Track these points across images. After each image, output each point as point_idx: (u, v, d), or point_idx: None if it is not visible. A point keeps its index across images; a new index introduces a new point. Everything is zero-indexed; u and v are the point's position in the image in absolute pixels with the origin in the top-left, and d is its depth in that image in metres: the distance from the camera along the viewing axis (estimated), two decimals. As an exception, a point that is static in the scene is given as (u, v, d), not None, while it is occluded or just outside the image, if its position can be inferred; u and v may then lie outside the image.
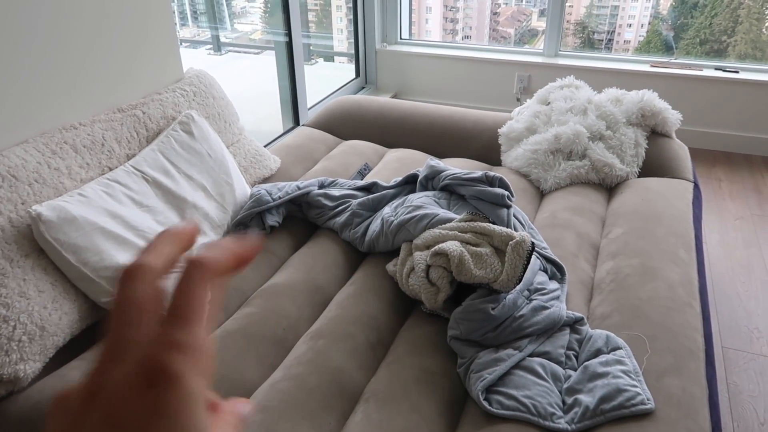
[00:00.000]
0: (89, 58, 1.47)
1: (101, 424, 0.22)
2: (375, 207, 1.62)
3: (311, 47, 3.62)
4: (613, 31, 3.67)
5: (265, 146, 2.32)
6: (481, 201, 1.52)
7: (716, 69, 3.16)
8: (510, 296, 1.24)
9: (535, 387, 1.10)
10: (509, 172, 1.98)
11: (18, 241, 1.16)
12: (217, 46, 3.33)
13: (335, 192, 1.68)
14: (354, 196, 1.67)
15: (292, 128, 3.02)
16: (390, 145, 2.21)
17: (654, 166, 1.97)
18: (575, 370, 1.16)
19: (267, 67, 3.07)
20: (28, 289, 1.14)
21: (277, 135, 2.92)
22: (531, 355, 1.17)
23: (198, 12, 3.39)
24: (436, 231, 1.37)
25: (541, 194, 1.94)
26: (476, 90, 3.58)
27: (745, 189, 2.77)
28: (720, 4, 3.38)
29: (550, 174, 1.93)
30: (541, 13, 3.77)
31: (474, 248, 1.26)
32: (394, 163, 1.98)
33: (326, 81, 3.61)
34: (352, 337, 1.23)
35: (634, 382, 1.08)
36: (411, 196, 1.58)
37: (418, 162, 1.99)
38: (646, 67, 3.22)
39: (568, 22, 3.58)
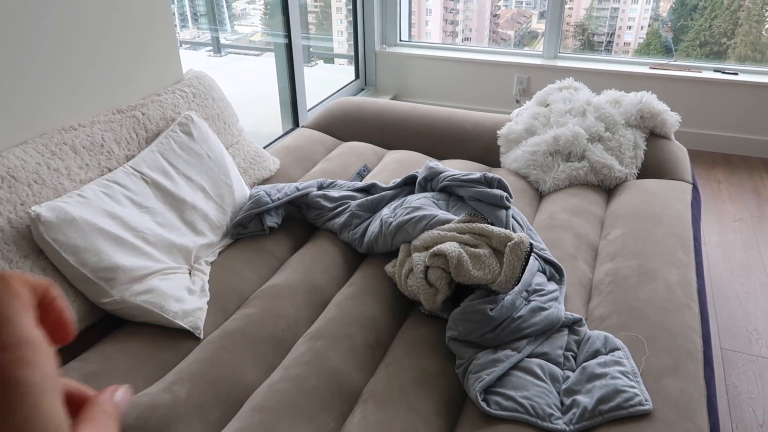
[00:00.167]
0: (89, 59, 1.47)
1: None
2: (374, 208, 1.63)
3: (311, 49, 3.63)
4: (613, 33, 3.67)
5: (264, 147, 2.32)
6: (480, 202, 1.52)
7: (715, 71, 3.16)
8: (508, 297, 1.24)
9: (534, 388, 1.10)
10: (508, 174, 1.98)
11: (17, 241, 1.16)
12: (217, 47, 3.33)
13: (334, 193, 1.68)
14: (353, 198, 1.67)
15: (292, 130, 3.02)
16: (389, 146, 2.22)
17: (653, 167, 1.97)
18: (573, 371, 1.16)
19: (267, 68, 3.07)
20: (27, 289, 1.14)
21: (276, 136, 2.92)
22: (529, 356, 1.18)
23: (198, 14, 3.40)
24: (434, 232, 1.37)
25: (540, 195, 1.94)
26: (475, 92, 3.58)
27: (744, 191, 2.77)
28: (720, 6, 3.38)
29: (549, 175, 1.93)
30: (541, 15, 3.77)
31: (472, 249, 1.27)
32: (393, 165, 1.99)
33: (326, 83, 3.62)
34: (350, 338, 1.23)
35: (633, 383, 1.08)
36: (410, 198, 1.58)
37: (417, 163, 1.99)
38: (646, 69, 3.23)
39: (567, 24, 3.58)
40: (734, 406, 1.61)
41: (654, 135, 2.07)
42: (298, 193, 1.64)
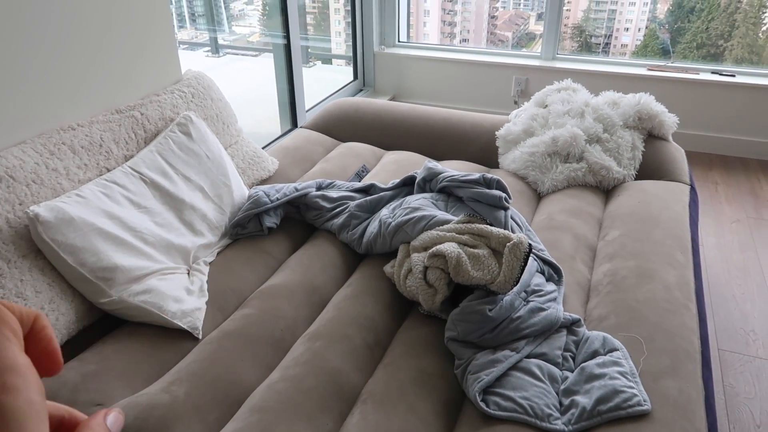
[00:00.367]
0: (88, 59, 1.47)
1: None
2: (373, 209, 1.63)
3: (309, 50, 3.63)
4: (611, 35, 3.68)
5: (263, 148, 2.32)
6: (479, 203, 1.53)
7: (713, 73, 3.17)
8: (507, 298, 1.25)
9: (532, 388, 1.10)
10: (507, 175, 1.98)
11: (15, 241, 1.16)
12: (215, 48, 3.33)
13: (333, 194, 1.69)
14: (352, 198, 1.67)
15: (290, 130, 3.02)
16: (388, 147, 2.22)
17: (651, 168, 1.98)
18: (572, 371, 1.17)
19: (265, 69, 3.07)
20: (25, 289, 1.14)
21: (275, 137, 2.92)
22: (528, 357, 1.18)
23: (196, 14, 3.39)
24: (433, 233, 1.37)
25: (539, 196, 1.95)
26: (474, 93, 3.59)
27: (741, 192, 2.78)
28: (717, 8, 3.39)
29: (548, 176, 1.94)
30: (539, 16, 3.78)
31: (471, 250, 1.27)
32: (392, 165, 1.99)
33: (324, 83, 3.62)
34: (349, 339, 1.23)
35: (631, 384, 1.08)
36: (409, 198, 1.58)
37: (416, 164, 1.99)
38: (643, 71, 3.23)
39: (565, 25, 3.59)
40: (731, 406, 1.61)
41: (652, 136, 2.07)
42: (296, 193, 1.64)
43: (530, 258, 1.34)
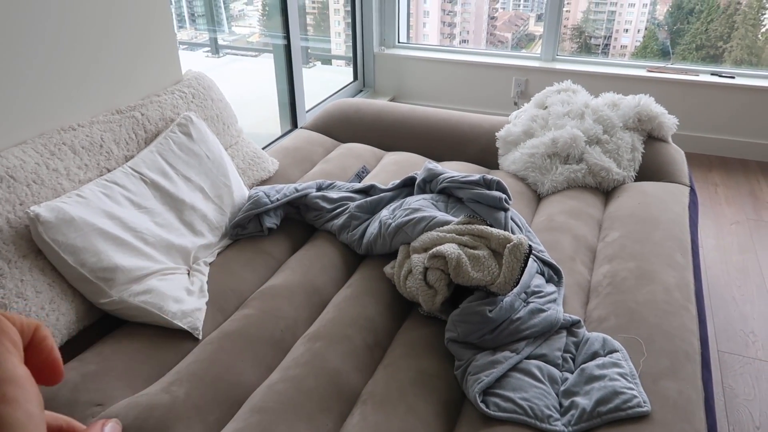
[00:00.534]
0: (88, 59, 1.47)
1: None
2: (373, 209, 1.63)
3: (309, 50, 3.63)
4: (610, 36, 3.68)
5: (263, 148, 2.32)
6: (479, 204, 1.53)
7: (712, 74, 3.18)
8: (507, 299, 1.25)
9: (532, 389, 1.10)
10: (506, 176, 1.99)
11: (16, 241, 1.16)
12: (215, 48, 3.33)
13: (333, 194, 1.69)
14: (352, 199, 1.67)
15: (290, 131, 3.02)
16: (388, 148, 2.22)
17: (650, 170, 1.98)
18: (572, 372, 1.17)
19: (265, 69, 3.07)
20: (25, 289, 1.14)
21: (275, 137, 2.92)
22: (528, 358, 1.18)
23: (196, 14, 3.39)
24: (433, 233, 1.37)
25: (538, 198, 1.95)
26: (474, 94, 3.59)
27: (741, 194, 2.78)
28: (716, 10, 3.40)
29: (547, 177, 1.94)
30: (538, 17, 3.79)
31: (471, 251, 1.27)
32: (392, 166, 1.99)
33: (324, 84, 3.62)
34: (349, 339, 1.23)
35: (631, 385, 1.09)
36: (409, 199, 1.59)
37: (416, 165, 1.99)
38: (643, 72, 3.24)
39: (565, 27, 3.59)
40: (731, 408, 1.61)
41: (652, 138, 2.08)
42: (297, 194, 1.64)
43: (530, 259, 1.34)
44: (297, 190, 1.65)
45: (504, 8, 4.00)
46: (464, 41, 3.99)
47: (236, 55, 3.56)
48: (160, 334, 1.23)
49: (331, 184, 1.76)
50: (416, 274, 1.29)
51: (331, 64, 4.08)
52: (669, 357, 1.16)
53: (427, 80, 3.68)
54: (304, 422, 1.04)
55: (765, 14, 3.33)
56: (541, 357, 1.18)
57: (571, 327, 1.26)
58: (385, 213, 1.55)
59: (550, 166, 1.95)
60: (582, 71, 3.30)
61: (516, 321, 1.22)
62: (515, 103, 3.48)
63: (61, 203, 1.21)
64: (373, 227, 1.53)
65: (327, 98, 3.45)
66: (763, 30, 3.32)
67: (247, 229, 1.57)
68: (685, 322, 1.27)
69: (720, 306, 2.01)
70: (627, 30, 3.64)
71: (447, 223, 1.41)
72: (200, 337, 1.25)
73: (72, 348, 1.21)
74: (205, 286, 1.37)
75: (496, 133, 2.15)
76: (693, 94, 3.15)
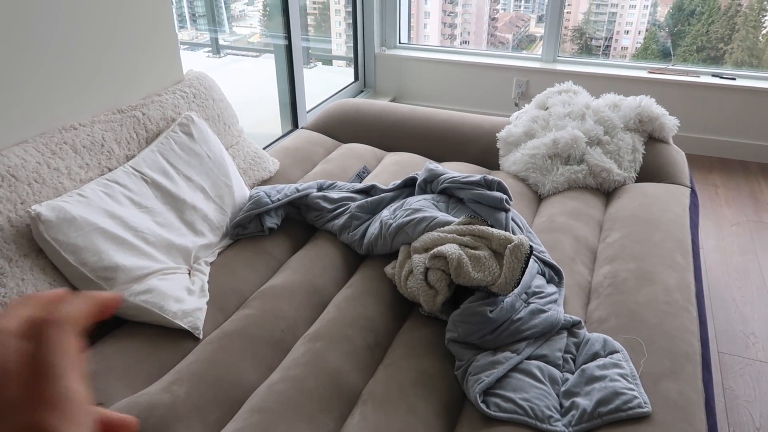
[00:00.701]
0: (90, 59, 1.47)
1: None
2: (373, 210, 1.63)
3: (310, 51, 3.63)
4: (611, 38, 3.69)
5: (264, 148, 2.32)
6: (480, 204, 1.53)
7: (713, 76, 3.18)
8: (508, 299, 1.25)
9: (533, 390, 1.10)
10: (507, 177, 1.99)
11: (17, 240, 1.16)
12: (216, 48, 3.33)
13: (334, 194, 1.69)
14: (353, 199, 1.68)
15: (291, 131, 3.02)
16: (388, 148, 2.22)
17: (651, 171, 1.98)
18: (572, 373, 1.17)
19: (266, 70, 3.07)
20: (26, 288, 1.14)
21: (276, 137, 2.92)
22: (529, 358, 1.18)
23: (197, 15, 3.40)
24: (434, 234, 1.37)
25: (539, 198, 1.95)
26: (474, 94, 3.59)
27: (741, 195, 2.78)
28: (717, 11, 3.40)
29: (548, 178, 1.94)
30: (539, 18, 3.79)
31: (472, 251, 1.27)
32: (393, 167, 1.99)
33: (325, 84, 3.62)
34: (349, 339, 1.23)
35: (631, 386, 1.09)
36: (410, 199, 1.59)
37: (417, 165, 1.99)
38: (644, 74, 3.24)
39: (566, 28, 3.59)
40: (731, 409, 1.61)
41: (652, 139, 2.08)
42: (297, 194, 1.64)
43: (531, 260, 1.34)
44: (298, 190, 1.65)
45: (505, 9, 4.00)
46: (465, 42, 3.99)
47: (237, 55, 3.56)
48: (160, 334, 1.23)
49: (331, 185, 1.76)
50: (417, 274, 1.29)
51: (331, 65, 4.09)
52: (669, 358, 1.16)
53: (427, 81, 3.68)
54: (305, 422, 1.04)
55: (766, 16, 3.33)
56: (542, 357, 1.18)
57: (571, 328, 1.26)
58: (385, 213, 1.55)
59: (550, 167, 1.95)
60: (583, 72, 3.30)
61: (517, 321, 1.22)
62: (516, 104, 3.48)
63: (62, 202, 1.21)
64: (373, 227, 1.53)
65: (328, 98, 3.45)
66: (764, 32, 3.33)
67: (247, 229, 1.57)
68: (686, 323, 1.27)
69: (720, 307, 2.01)
70: (628, 31, 3.64)
71: (448, 223, 1.42)
72: (201, 337, 1.25)
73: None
74: (206, 286, 1.37)
75: (497, 134, 2.15)
76: (694, 96, 3.15)
